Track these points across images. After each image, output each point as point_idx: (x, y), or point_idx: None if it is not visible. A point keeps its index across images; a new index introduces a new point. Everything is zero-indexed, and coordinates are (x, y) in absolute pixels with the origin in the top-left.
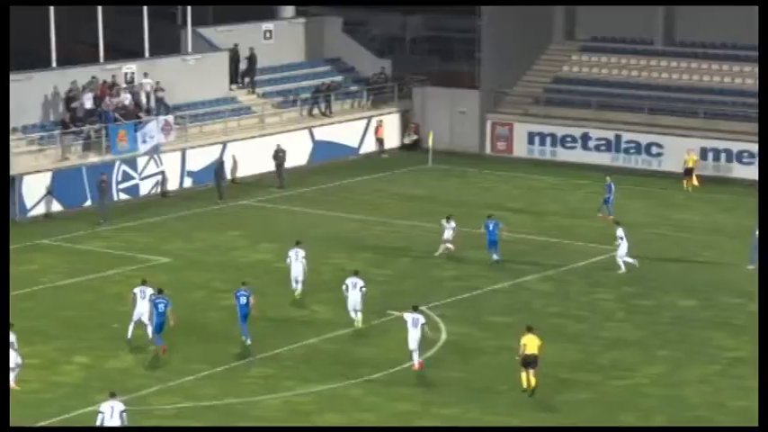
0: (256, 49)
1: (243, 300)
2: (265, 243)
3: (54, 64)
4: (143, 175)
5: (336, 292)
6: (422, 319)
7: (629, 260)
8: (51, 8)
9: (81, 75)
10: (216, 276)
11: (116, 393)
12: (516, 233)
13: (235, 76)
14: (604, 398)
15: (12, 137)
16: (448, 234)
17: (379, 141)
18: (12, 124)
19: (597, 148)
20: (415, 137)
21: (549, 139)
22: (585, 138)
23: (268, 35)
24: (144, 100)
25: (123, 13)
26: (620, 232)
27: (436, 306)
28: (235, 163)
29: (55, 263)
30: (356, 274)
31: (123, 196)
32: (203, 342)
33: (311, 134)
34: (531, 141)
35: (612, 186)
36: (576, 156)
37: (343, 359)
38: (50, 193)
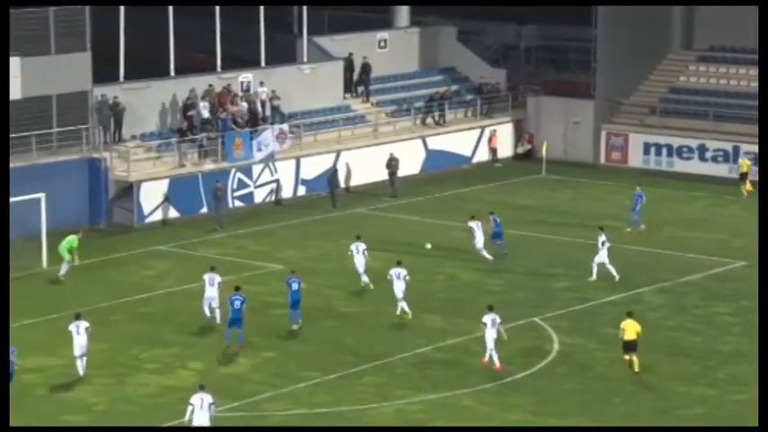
0: (371, 58)
1: (294, 286)
2: (377, 251)
3: (172, 73)
4: (258, 183)
5: (448, 303)
6: (498, 319)
7: (611, 268)
8: (171, 17)
9: (198, 83)
10: (329, 284)
11: (205, 386)
12: (631, 245)
13: (349, 85)
14: (720, 413)
15: (130, 144)
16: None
17: (493, 151)
18: (131, 132)
19: (714, 159)
20: (528, 146)
21: (664, 150)
22: (702, 149)
23: (383, 44)
24: (260, 108)
25: (240, 22)
26: (602, 237)
27: (549, 317)
28: (348, 171)
29: (171, 269)
30: (399, 264)
31: (238, 204)
32: (316, 349)
33: (424, 143)
34: (646, 152)
35: (643, 197)
36: (693, 167)
37: (455, 368)
38: (167, 199)
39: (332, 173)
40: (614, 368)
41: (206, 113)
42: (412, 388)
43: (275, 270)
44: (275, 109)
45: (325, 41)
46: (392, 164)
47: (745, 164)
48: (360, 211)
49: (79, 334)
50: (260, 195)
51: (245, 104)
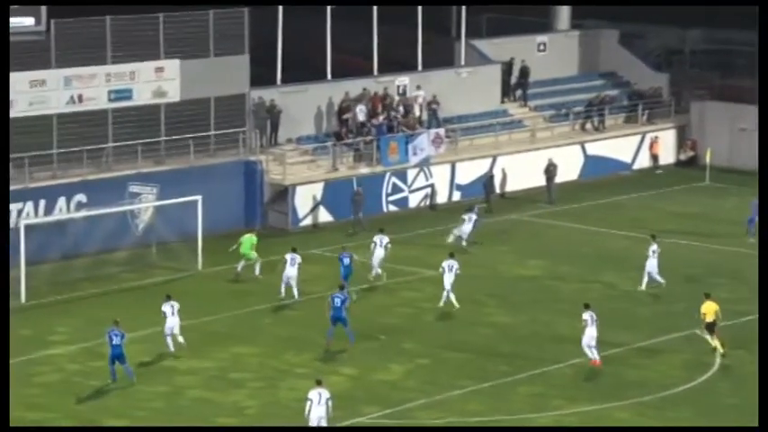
0: (529, 61)
1: (337, 302)
2: (534, 259)
3: (329, 76)
4: (412, 188)
5: (606, 312)
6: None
7: (658, 278)
8: (328, 19)
9: (354, 87)
10: (483, 290)
11: (322, 381)
12: None
13: (507, 90)
14: None
15: (286, 147)
16: (467, 227)
17: (654, 157)
18: (287, 135)
19: None
20: (691, 153)
21: None
22: None
23: (542, 47)
24: (417, 112)
25: (397, 25)
26: (653, 246)
27: None
28: (504, 176)
29: (323, 272)
30: (452, 256)
31: (392, 208)
32: (471, 357)
33: (583, 149)
34: None
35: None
36: None
37: (612, 380)
38: (320, 203)
39: (488, 178)
40: None
41: (362, 117)
42: (568, 398)
43: (427, 275)
44: (433, 113)
45: (484, 44)
46: (550, 169)
47: None
48: (516, 218)
49: (174, 315)
50: (414, 200)
51: (401, 108)
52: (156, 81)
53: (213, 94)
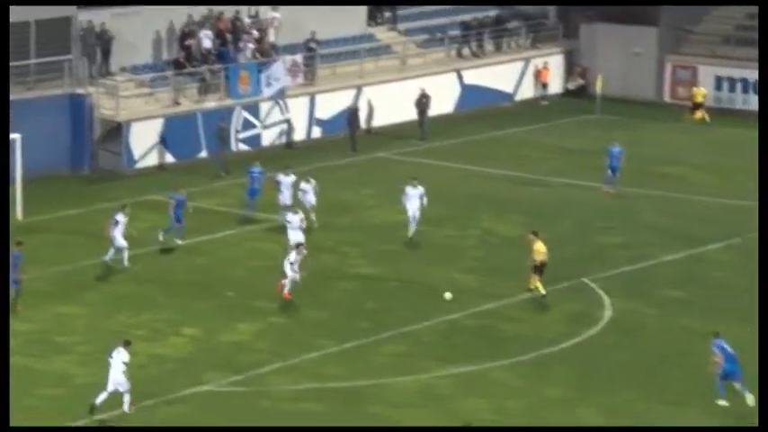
0: None
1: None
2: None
3: None
4: (266, 123)
5: (483, 262)
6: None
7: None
8: None
9: (198, 9)
10: (347, 239)
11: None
12: (696, 195)
13: (374, 11)
14: None
15: (120, 78)
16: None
17: (543, 86)
18: (120, 64)
19: None
20: (580, 82)
21: (739, 85)
22: None
23: None
24: (272, 37)
25: None
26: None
27: (600, 278)
28: (371, 110)
29: (165, 221)
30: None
31: (243, 147)
32: (330, 315)
33: (459, 77)
34: (718, 87)
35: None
36: None
37: (489, 337)
38: (162, 141)
39: (352, 111)
40: (672, 337)
41: (207, 43)
42: (438, 359)
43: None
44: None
45: None
46: (422, 101)
47: (700, 92)
48: (384, 156)
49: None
50: (269, 137)
51: (253, 32)
52: None
53: (34, 17)
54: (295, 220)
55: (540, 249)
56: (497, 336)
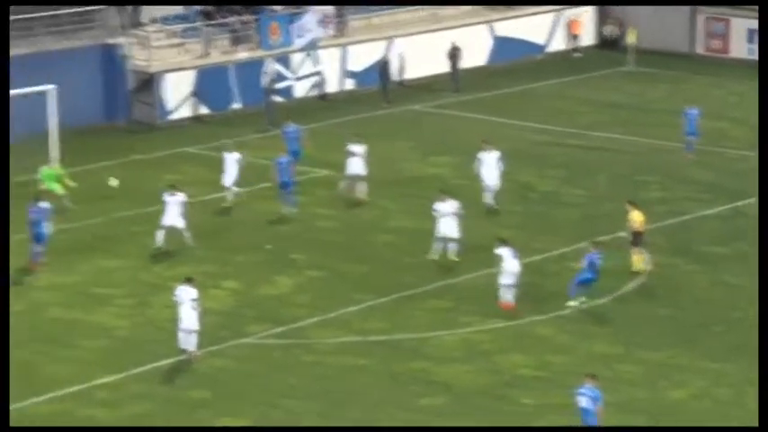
0: None
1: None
2: (439, 156)
3: None
4: (298, 75)
5: (522, 217)
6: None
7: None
8: None
9: None
10: (383, 193)
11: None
12: (733, 149)
13: None
14: None
15: (151, 29)
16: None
17: (574, 38)
18: (150, 15)
19: None
20: (615, 31)
21: None
22: None
23: None
24: None
25: None
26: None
27: None
28: (403, 62)
29: (202, 174)
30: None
31: (275, 98)
32: (369, 269)
33: (491, 29)
34: (750, 40)
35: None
36: None
37: (531, 291)
38: (195, 93)
39: (383, 64)
40: (714, 292)
41: None
42: (480, 314)
43: (319, 175)
44: None
45: None
46: (454, 53)
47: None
48: (417, 108)
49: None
50: (301, 89)
51: None
52: None
53: None
54: (444, 208)
55: (636, 218)
56: (539, 291)
